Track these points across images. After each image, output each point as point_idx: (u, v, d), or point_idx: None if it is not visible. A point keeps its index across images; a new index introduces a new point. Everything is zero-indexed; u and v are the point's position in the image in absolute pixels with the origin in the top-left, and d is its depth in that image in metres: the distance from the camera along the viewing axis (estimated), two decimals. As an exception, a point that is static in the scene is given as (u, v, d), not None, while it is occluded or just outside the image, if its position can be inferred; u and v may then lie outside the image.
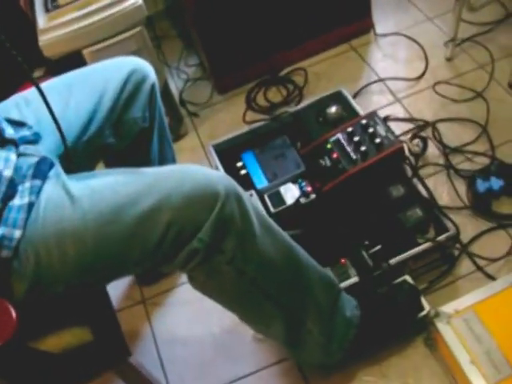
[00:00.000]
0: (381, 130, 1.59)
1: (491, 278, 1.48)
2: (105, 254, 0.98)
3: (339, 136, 1.62)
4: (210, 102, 2.07)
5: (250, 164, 1.72)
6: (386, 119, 1.71)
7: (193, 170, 1.03)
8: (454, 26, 1.92)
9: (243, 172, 1.71)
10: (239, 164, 1.73)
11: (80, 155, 1.20)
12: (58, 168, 1.07)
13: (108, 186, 1.00)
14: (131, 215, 0.96)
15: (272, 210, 1.59)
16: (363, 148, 1.56)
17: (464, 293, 1.45)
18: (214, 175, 1.03)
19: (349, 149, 1.58)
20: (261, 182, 1.67)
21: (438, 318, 1.30)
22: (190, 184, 0.98)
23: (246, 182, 1.67)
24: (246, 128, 1.82)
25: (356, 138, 1.58)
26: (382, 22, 2.16)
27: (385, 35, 2.13)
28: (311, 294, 1.20)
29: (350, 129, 1.61)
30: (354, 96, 1.95)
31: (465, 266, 1.52)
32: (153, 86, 1.34)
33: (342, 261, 1.49)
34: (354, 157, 1.56)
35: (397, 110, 1.89)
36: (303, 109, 1.81)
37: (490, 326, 1.27)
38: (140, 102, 1.31)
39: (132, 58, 1.35)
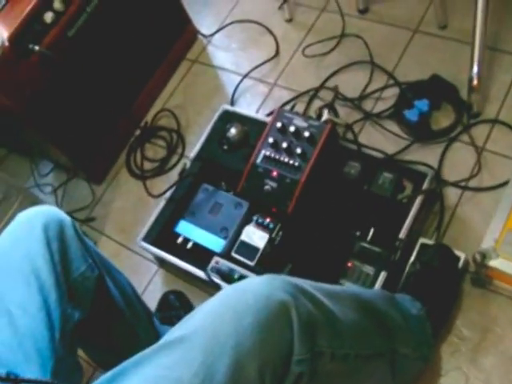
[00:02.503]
0: (300, 122, 1.45)
1: (481, 190, 1.43)
2: None
3: (264, 152, 1.46)
4: (95, 197, 1.79)
5: (191, 233, 1.51)
6: (292, 108, 1.57)
7: (230, 296, 0.83)
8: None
9: (190, 245, 1.50)
10: (179, 240, 1.52)
11: (62, 355, 0.95)
12: None
13: (156, 380, 0.76)
14: None
15: (251, 263, 1.42)
16: (298, 150, 1.41)
17: (472, 218, 1.40)
18: (258, 283, 0.84)
19: (284, 159, 1.43)
20: (216, 244, 1.47)
21: (487, 258, 1.21)
22: (247, 313, 0.78)
23: (201, 254, 1.47)
24: (158, 201, 1.60)
25: (284, 145, 1.43)
26: (202, 21, 1.99)
27: (214, 32, 1.97)
28: (389, 321, 1.06)
29: (270, 139, 1.45)
30: (232, 104, 1.78)
31: (451, 194, 1.45)
32: (74, 227, 1.09)
33: (349, 264, 1.36)
34: (296, 163, 1.41)
35: (281, 94, 1.75)
36: (201, 148, 1.62)
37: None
38: (75, 254, 1.06)
39: (26, 213, 1.09)
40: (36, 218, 1.05)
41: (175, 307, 1.51)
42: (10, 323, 0.93)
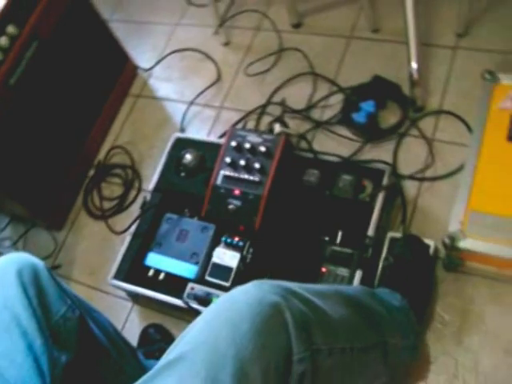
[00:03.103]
0: (254, 138, 1.47)
1: (438, 178, 1.48)
2: None
3: (223, 173, 1.47)
4: (58, 244, 1.75)
5: (162, 264, 1.50)
6: (244, 126, 1.59)
7: (222, 308, 0.82)
8: (214, 12, 1.85)
9: (162, 276, 1.48)
10: (151, 272, 1.50)
11: None
12: None
13: None
14: None
15: (226, 284, 1.41)
16: (256, 165, 1.42)
17: (434, 206, 1.44)
18: (248, 290, 0.84)
19: (243, 176, 1.44)
20: (189, 270, 1.46)
21: (455, 241, 1.24)
22: (242, 321, 0.78)
23: (174, 283, 1.46)
24: (122, 238, 1.58)
25: (241, 162, 1.44)
26: (141, 56, 2.00)
27: (154, 65, 1.98)
28: (374, 314, 1.08)
29: (227, 159, 1.46)
30: (182, 132, 1.79)
31: (410, 187, 1.49)
32: (48, 270, 1.07)
33: (323, 270, 1.37)
34: (256, 179, 1.42)
35: (229, 116, 1.77)
36: (159, 179, 1.61)
37: (494, 209, 1.25)
38: (53, 297, 1.04)
39: None
40: (8, 266, 1.02)
41: (156, 340, 1.49)
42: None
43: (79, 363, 1.06)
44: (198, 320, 0.84)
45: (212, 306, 0.85)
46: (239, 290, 0.86)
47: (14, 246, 1.79)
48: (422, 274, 1.29)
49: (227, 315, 0.80)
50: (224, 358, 0.76)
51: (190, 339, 0.81)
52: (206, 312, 0.84)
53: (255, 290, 0.84)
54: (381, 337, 1.04)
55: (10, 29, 1.49)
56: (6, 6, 1.48)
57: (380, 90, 1.62)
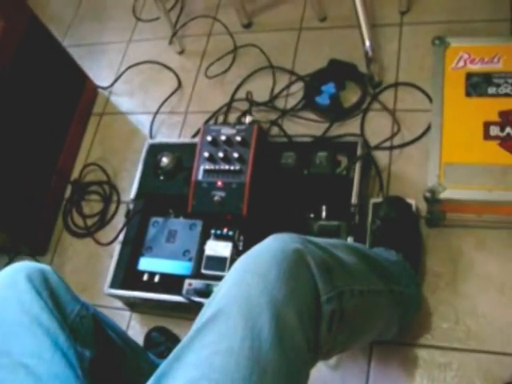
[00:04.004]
0: (227, 130, 1.51)
1: (406, 144, 1.55)
2: None
3: (203, 167, 1.50)
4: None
5: (155, 266, 1.51)
6: (216, 122, 1.63)
7: (246, 263, 0.86)
8: (167, 22, 1.90)
9: (157, 278, 1.50)
10: (145, 277, 1.51)
11: None
12: None
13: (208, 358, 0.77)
14: (268, 355, 0.76)
15: (224, 273, 1.43)
16: (234, 154, 1.47)
17: (407, 170, 1.52)
18: (269, 243, 0.88)
19: (224, 167, 1.48)
20: (183, 268, 1.48)
21: (436, 193, 1.31)
22: (269, 269, 0.81)
23: (170, 282, 1.48)
24: (110, 251, 1.59)
25: (220, 155, 1.48)
26: (98, 75, 2.03)
27: (113, 82, 2.01)
28: (379, 262, 1.13)
29: (205, 154, 1.50)
30: (151, 137, 1.82)
31: (381, 156, 1.56)
32: (55, 273, 1.08)
33: (314, 245, 1.42)
34: (237, 167, 1.46)
35: (196, 119, 1.81)
36: (139, 186, 1.62)
37: (465, 158, 1.33)
38: (65, 297, 1.04)
39: (2, 273, 1.06)
40: (17, 273, 1.02)
41: (161, 342, 1.50)
42: (28, 374, 0.89)
43: (100, 361, 1.07)
44: (225, 280, 0.87)
45: (236, 265, 0.88)
46: (260, 244, 0.89)
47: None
48: (410, 229, 1.36)
49: (254, 267, 0.83)
50: (258, 306, 0.79)
51: (221, 297, 0.84)
52: (232, 271, 0.87)
53: (276, 241, 0.87)
54: (388, 284, 1.09)
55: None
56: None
57: (338, 71, 1.70)
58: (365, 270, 1.02)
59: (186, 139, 1.72)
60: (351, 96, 1.67)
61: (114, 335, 1.18)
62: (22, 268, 1.05)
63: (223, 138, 1.49)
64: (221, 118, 1.75)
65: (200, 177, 1.50)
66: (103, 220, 1.75)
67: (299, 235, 0.91)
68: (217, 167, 1.49)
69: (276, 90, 1.76)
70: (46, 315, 0.97)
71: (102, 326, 1.13)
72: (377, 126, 1.61)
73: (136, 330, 1.56)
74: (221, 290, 0.85)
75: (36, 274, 1.03)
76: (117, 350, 1.17)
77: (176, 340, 1.50)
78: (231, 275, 0.87)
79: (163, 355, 1.44)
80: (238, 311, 0.79)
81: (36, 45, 1.73)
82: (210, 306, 0.84)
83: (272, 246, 0.86)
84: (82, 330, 1.04)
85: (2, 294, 1.01)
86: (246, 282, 0.82)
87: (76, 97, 1.92)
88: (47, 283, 1.03)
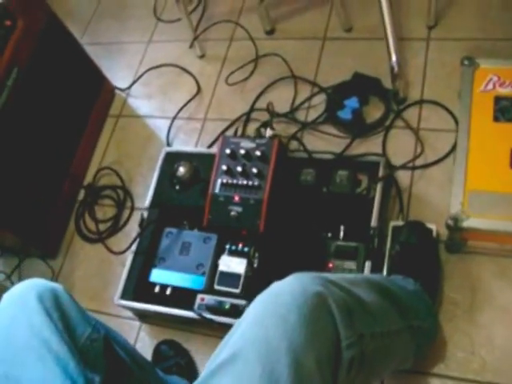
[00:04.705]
0: (247, 143, 1.48)
1: (429, 165, 1.52)
2: None
3: (220, 181, 1.47)
4: (54, 272, 1.71)
5: (167, 279, 1.49)
6: (236, 133, 1.60)
7: (265, 303, 0.83)
8: (188, 25, 1.87)
9: (169, 291, 1.48)
10: (157, 289, 1.49)
11: None
12: None
13: None
14: None
15: (236, 290, 1.41)
16: (253, 170, 1.43)
17: (429, 192, 1.49)
18: (289, 283, 0.86)
19: (242, 182, 1.45)
20: (196, 282, 1.46)
21: (459, 221, 1.28)
22: (290, 312, 0.79)
23: (182, 296, 1.45)
24: (122, 258, 1.57)
25: (238, 169, 1.45)
26: (116, 76, 1.99)
27: (131, 84, 1.98)
28: (398, 298, 1.10)
29: (223, 167, 1.47)
30: (168, 146, 1.79)
31: (403, 177, 1.53)
32: (67, 292, 1.06)
33: (330, 265, 1.40)
34: (255, 183, 1.43)
35: (214, 126, 1.78)
36: (154, 194, 1.60)
37: (491, 186, 1.30)
38: (76, 319, 1.02)
39: (13, 290, 1.04)
40: (28, 292, 1.00)
41: (170, 356, 1.48)
42: None
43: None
44: (243, 319, 0.85)
45: (255, 305, 0.86)
46: (280, 284, 0.87)
47: (9, 279, 1.75)
48: (430, 256, 1.33)
49: (273, 309, 0.81)
50: (277, 351, 0.76)
51: (238, 338, 0.81)
52: (250, 310, 0.85)
53: (296, 281, 0.85)
54: (407, 320, 1.07)
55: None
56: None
57: (361, 85, 1.66)
58: (385, 308, 0.99)
59: (203, 149, 1.70)
60: (374, 112, 1.63)
61: (123, 354, 1.15)
62: (33, 286, 1.03)
63: (242, 151, 1.46)
64: (239, 127, 1.72)
65: (217, 190, 1.47)
66: (116, 226, 1.73)
67: (320, 275, 0.89)
68: (234, 181, 1.46)
69: (297, 101, 1.73)
70: (55, 339, 0.95)
71: (113, 347, 1.11)
72: (399, 145, 1.57)
73: (145, 341, 1.54)
74: (238, 329, 0.83)
75: (47, 294, 1.01)
76: (126, 370, 1.15)
77: (185, 355, 1.48)
78: (249, 315, 0.84)
79: (171, 370, 1.43)
80: (256, 355, 0.77)
81: (54, 43, 1.70)
82: (226, 346, 0.82)
83: (293, 287, 0.84)
84: (92, 354, 1.02)
85: (12, 312, 1.00)
86: (264, 324, 0.80)
87: (93, 97, 1.89)
88: (58, 304, 1.01)
